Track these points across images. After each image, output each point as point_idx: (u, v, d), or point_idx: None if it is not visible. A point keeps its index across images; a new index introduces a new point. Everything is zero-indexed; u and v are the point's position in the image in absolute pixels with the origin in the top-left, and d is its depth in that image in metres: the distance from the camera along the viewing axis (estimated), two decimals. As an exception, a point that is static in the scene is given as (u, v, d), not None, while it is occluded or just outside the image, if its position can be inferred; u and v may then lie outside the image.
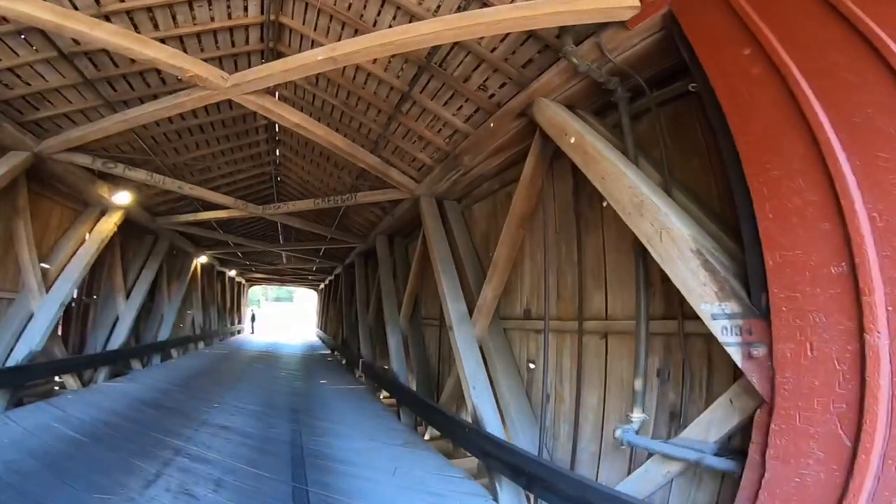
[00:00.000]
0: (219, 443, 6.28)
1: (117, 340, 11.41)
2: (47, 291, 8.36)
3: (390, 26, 5.30)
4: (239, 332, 31.06)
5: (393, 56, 6.25)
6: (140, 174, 8.69)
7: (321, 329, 30.69)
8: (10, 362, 7.55)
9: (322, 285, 31.39)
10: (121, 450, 5.60)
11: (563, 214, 5.56)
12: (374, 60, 6.53)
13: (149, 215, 11.89)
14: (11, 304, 8.14)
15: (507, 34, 5.05)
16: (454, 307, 6.79)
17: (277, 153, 11.25)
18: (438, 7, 5.22)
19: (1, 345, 7.69)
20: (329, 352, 21.74)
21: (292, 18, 6.61)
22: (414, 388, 9.30)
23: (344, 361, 17.29)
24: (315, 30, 6.49)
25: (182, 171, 10.16)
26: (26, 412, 7.02)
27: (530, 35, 4.95)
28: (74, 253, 9.23)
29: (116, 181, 9.48)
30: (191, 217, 12.37)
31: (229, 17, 6.35)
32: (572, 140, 4.36)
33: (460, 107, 6.52)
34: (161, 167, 9.38)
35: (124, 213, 10.28)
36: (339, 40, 5.48)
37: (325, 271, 24.70)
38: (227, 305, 27.32)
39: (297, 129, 6.62)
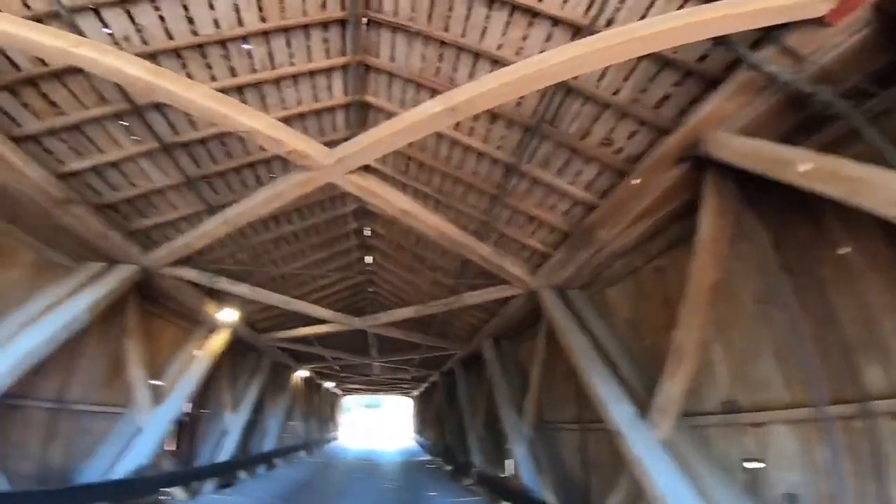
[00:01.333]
0: None
1: (226, 453, 10.78)
2: (159, 407, 7.78)
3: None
4: (336, 439, 30.18)
5: (494, 121, 5.50)
6: (243, 288, 8.20)
7: (417, 435, 29.43)
8: (116, 475, 6.80)
9: (416, 392, 29.97)
10: None
11: (763, 278, 3.99)
12: (471, 131, 5.77)
13: (253, 332, 11.48)
14: (120, 419, 7.55)
15: (633, 69, 4.14)
16: (617, 409, 5.03)
17: (369, 259, 10.52)
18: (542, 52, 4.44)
19: (107, 458, 7.05)
20: (429, 458, 20.13)
21: (377, 97, 6.08)
22: (552, 500, 7.28)
23: (448, 469, 15.52)
24: (403, 106, 5.86)
25: (281, 285, 9.70)
26: None
27: (666, 64, 3.97)
28: (186, 370, 8.79)
29: (223, 299, 9.11)
30: (291, 333, 11.87)
31: (315, 98, 5.90)
32: (803, 168, 2.95)
33: (579, 172, 5.39)
34: (262, 281, 8.97)
35: (232, 331, 9.93)
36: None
37: (419, 379, 23.38)
38: (325, 415, 26.63)
39: (405, 216, 5.65)
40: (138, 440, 7.36)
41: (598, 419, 6.44)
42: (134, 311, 7.12)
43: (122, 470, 6.87)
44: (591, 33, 3.83)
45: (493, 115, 5.37)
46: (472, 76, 5.05)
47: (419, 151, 6.46)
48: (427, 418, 24.76)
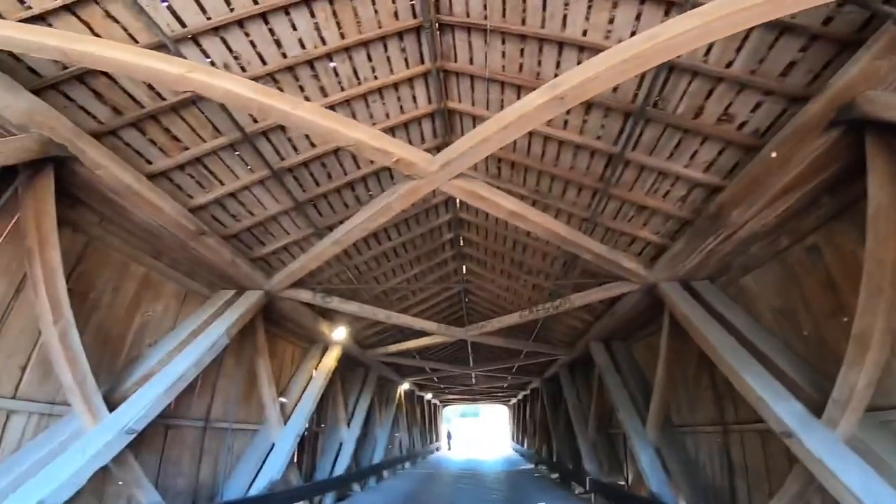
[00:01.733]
0: None
1: (341, 466, 11.13)
2: (285, 424, 8.23)
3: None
4: (437, 449, 30.41)
5: (588, 111, 5.20)
6: (352, 306, 8.41)
7: (516, 443, 28.87)
8: (253, 491, 7.24)
9: (514, 400, 29.49)
10: None
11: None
12: (565, 124, 5.51)
13: (359, 348, 11.85)
14: (255, 435, 8.07)
15: (745, 39, 3.84)
16: (783, 407, 4.33)
17: (464, 269, 10.55)
18: (633, 33, 4.08)
19: (245, 473, 7.51)
20: (532, 466, 19.73)
21: (460, 102, 6.00)
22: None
23: (554, 477, 15.30)
24: (488, 107, 5.75)
25: (383, 301, 9.91)
26: None
27: (783, 30, 3.68)
28: (306, 387, 9.25)
29: (333, 318, 9.50)
30: (394, 347, 12.17)
31: (401, 110, 5.95)
32: None
33: (695, 153, 4.94)
34: (367, 298, 9.21)
35: (342, 348, 10.32)
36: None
37: (516, 387, 22.97)
38: (426, 426, 27.02)
39: (513, 218, 5.42)
40: (271, 456, 7.80)
41: (745, 420, 5.77)
42: (261, 332, 7.58)
43: (259, 485, 7.29)
44: (685, 8, 3.55)
45: (587, 105, 5.09)
46: (558, 66, 4.84)
47: (510, 153, 6.28)
48: (526, 426, 24.18)
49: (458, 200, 8.08)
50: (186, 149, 5.01)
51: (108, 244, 5.16)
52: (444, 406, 36.46)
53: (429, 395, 26.59)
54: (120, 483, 5.12)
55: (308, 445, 10.90)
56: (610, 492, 9.60)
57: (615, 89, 4.75)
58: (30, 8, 3.51)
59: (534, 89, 3.96)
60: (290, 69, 4.90)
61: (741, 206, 4.69)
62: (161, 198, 4.95)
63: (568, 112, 5.16)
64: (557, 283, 8.50)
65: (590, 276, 7.81)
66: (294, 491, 8.59)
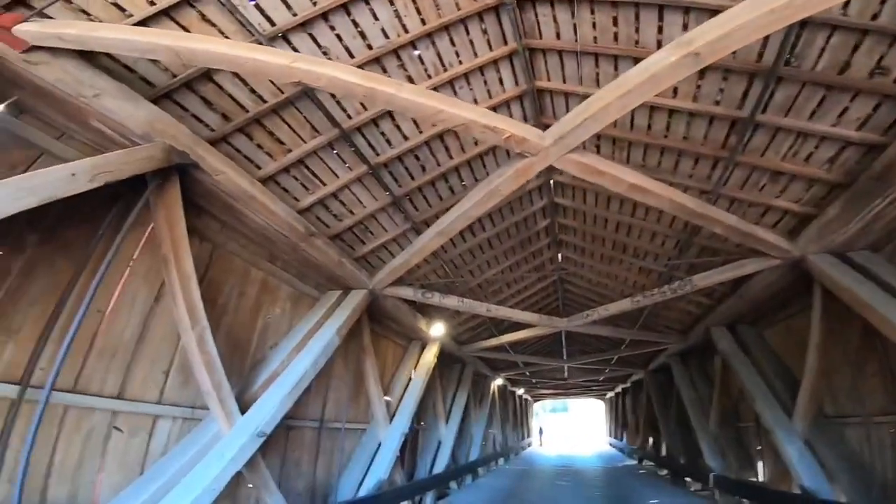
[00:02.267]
0: None
1: (441, 464, 11.12)
2: (390, 422, 8.37)
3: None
4: (529, 445, 30.00)
5: (702, 76, 4.71)
6: (452, 301, 8.37)
7: (614, 438, 27.85)
8: (362, 491, 7.35)
9: (611, 394, 28.29)
10: None
11: None
12: (675, 92, 5.01)
13: (456, 344, 11.84)
14: (364, 435, 8.26)
15: None
16: None
17: (560, 257, 10.09)
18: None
19: (356, 473, 7.67)
20: (634, 462, 18.89)
21: (550, 80, 5.63)
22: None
23: (664, 473, 14.50)
24: (581, 82, 5.31)
25: (478, 294, 9.76)
26: None
27: None
28: (407, 385, 9.37)
29: (431, 315, 9.55)
30: (490, 343, 12.04)
31: (489, 94, 5.71)
32: None
33: (844, 110, 4.37)
34: (463, 292, 9.09)
35: (440, 344, 10.37)
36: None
37: (616, 379, 21.86)
38: (518, 422, 26.72)
39: (634, 192, 5.00)
40: (378, 455, 7.96)
41: None
42: (367, 332, 7.75)
43: (368, 485, 7.42)
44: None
45: (700, 71, 4.52)
46: (661, 32, 4.41)
47: (611, 128, 5.83)
48: (626, 420, 23.14)
49: (552, 185, 7.72)
50: (290, 151, 5.15)
51: (230, 251, 5.44)
52: (535, 401, 35.93)
53: (521, 391, 26.29)
54: (250, 486, 5.37)
55: (409, 444, 11.02)
56: (742, 488, 8.75)
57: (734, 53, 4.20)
58: (131, 15, 3.63)
59: (635, 59, 3.74)
60: (377, 60, 4.85)
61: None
62: (273, 201, 5.14)
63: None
64: (670, 263, 7.81)
65: (710, 255, 7.09)
66: (399, 490, 8.68)
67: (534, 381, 22.43)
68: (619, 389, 24.91)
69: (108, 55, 3.64)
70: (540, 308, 12.05)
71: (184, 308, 4.39)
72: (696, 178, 5.96)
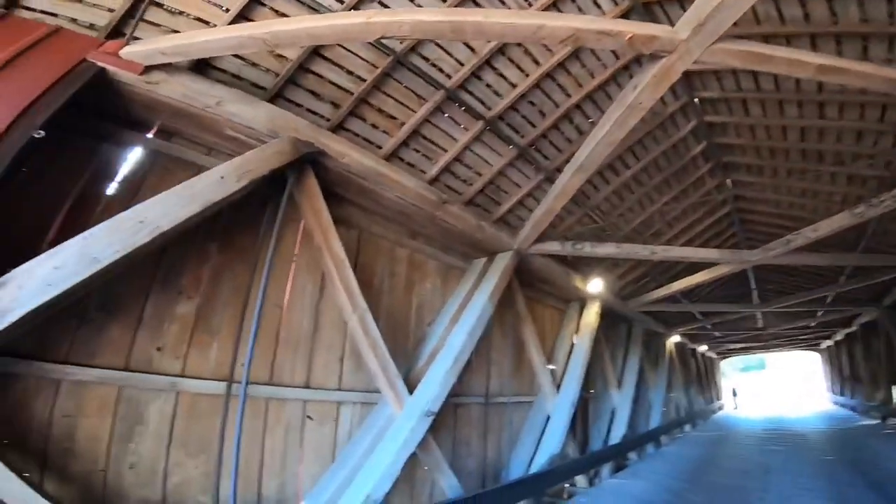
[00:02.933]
0: None
1: (617, 433, 10.58)
2: (557, 392, 8.15)
3: None
4: (720, 409, 27.03)
5: None
6: (608, 248, 7.77)
7: (837, 395, 23.44)
8: (534, 467, 7.23)
9: (828, 343, 23.96)
10: None
11: None
12: None
13: (619, 301, 11.06)
14: (531, 408, 8.16)
15: None
16: None
17: (729, 183, 8.60)
18: None
19: (526, 449, 7.60)
20: (877, 421, 15.44)
21: None
22: None
23: None
24: None
25: (636, 240, 8.84)
26: None
27: None
28: (571, 351, 9.02)
29: (586, 272, 9.04)
30: (659, 293, 10.92)
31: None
32: None
33: None
34: (618, 240, 8.35)
35: (600, 302, 9.77)
36: None
37: (833, 324, 18.15)
38: (703, 383, 24.27)
39: (825, 74, 4.01)
40: (548, 428, 7.81)
41: None
42: (520, 297, 7.62)
43: (539, 461, 7.30)
44: None
45: None
46: None
47: (756, 25, 4.83)
48: (857, 372, 19.32)
49: (697, 104, 6.65)
50: (402, 124, 5.20)
51: (374, 234, 5.75)
52: (722, 359, 32.26)
53: (703, 348, 23.64)
54: (425, 468, 5.66)
55: (579, 414, 10.58)
56: None
57: None
58: (214, 25, 3.86)
59: None
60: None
61: None
62: (401, 174, 5.29)
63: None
64: None
65: None
66: (573, 464, 8.36)
67: (717, 335, 19.81)
68: (839, 336, 20.86)
69: (214, 67, 4.02)
70: (714, 246, 10.42)
71: (343, 293, 4.79)
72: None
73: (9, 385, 3.31)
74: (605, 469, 9.74)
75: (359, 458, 4.82)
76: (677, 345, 18.11)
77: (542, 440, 7.67)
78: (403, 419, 5.02)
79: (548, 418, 7.97)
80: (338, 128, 4.82)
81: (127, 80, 3.54)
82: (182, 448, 3.97)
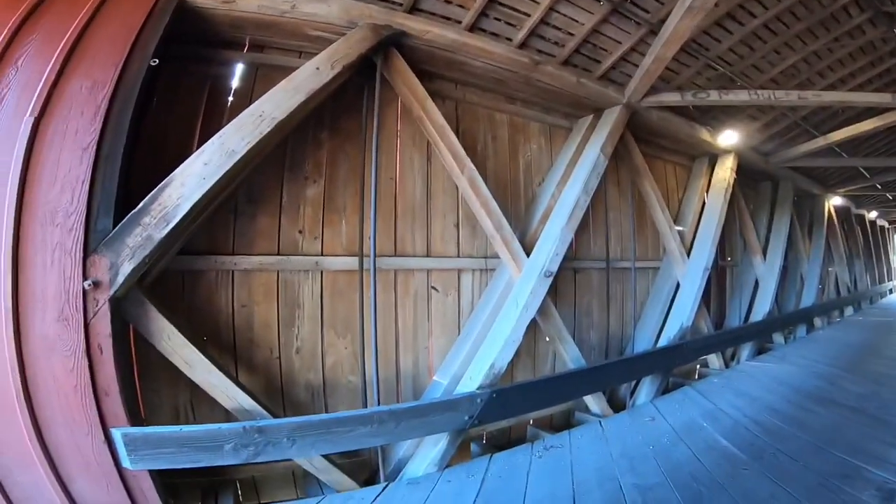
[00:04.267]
0: None
1: (761, 310, 9.74)
2: (688, 256, 7.73)
3: None
4: (891, 291, 23.48)
5: None
6: (741, 95, 6.92)
7: None
8: (663, 340, 7.05)
9: None
10: (796, 481, 3.68)
11: None
12: None
13: (759, 156, 9.87)
14: (657, 275, 7.92)
15: None
16: None
17: None
18: None
19: (651, 321, 7.45)
20: None
21: None
22: None
23: None
24: None
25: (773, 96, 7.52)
26: (674, 402, 6.21)
27: None
28: (701, 211, 8.40)
29: (714, 125, 8.20)
30: (810, 146, 9.41)
31: None
32: None
33: None
34: (763, 91, 7.21)
35: (736, 155, 8.83)
36: None
37: None
38: (873, 257, 21.01)
39: None
40: (678, 298, 7.50)
41: None
42: (636, 150, 7.22)
43: (669, 333, 7.09)
44: None
45: None
46: None
47: None
48: None
49: None
50: None
51: (471, 102, 5.81)
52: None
53: (872, 214, 20.26)
54: (547, 340, 5.92)
55: (715, 285, 9.94)
56: None
57: None
58: None
59: None
60: None
61: None
62: (488, 43, 5.23)
63: None
64: None
65: None
66: (706, 340, 7.96)
67: (890, 197, 16.75)
68: None
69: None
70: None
71: (449, 156, 5.01)
72: None
73: (196, 282, 4.09)
74: (745, 350, 9.23)
75: (482, 327, 5.19)
76: (839, 209, 15.64)
77: (671, 311, 7.42)
78: (522, 282, 5.25)
79: (677, 287, 7.65)
80: (413, 9, 4.81)
81: (205, 5, 3.89)
82: (332, 328, 4.63)
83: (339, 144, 4.83)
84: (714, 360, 8.61)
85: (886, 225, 24.92)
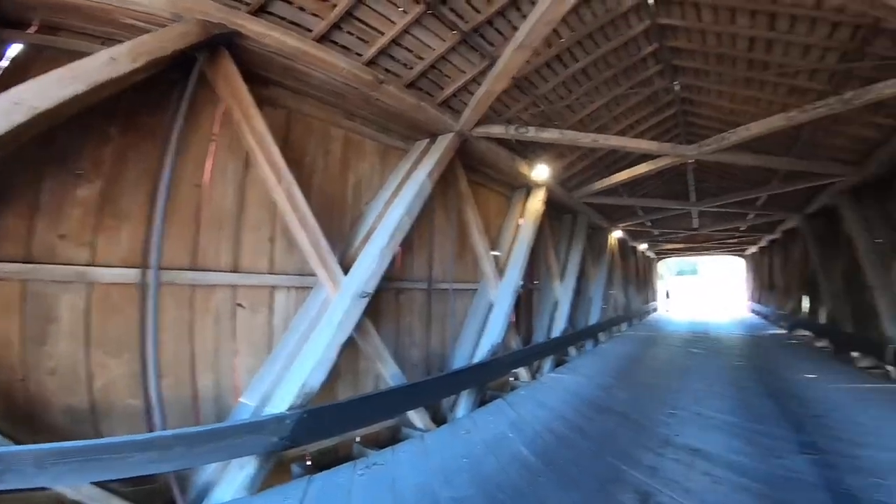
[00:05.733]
0: (700, 483, 4.13)
1: (559, 327, 11.01)
2: (501, 279, 8.31)
3: None
4: (654, 310, 29.09)
5: None
6: (552, 133, 7.77)
7: (756, 302, 25.33)
8: (477, 357, 7.45)
9: (753, 249, 25.55)
10: (577, 487, 4.21)
11: None
12: None
13: (564, 191, 11.20)
14: (475, 296, 8.32)
15: None
16: None
17: (676, 87, 8.55)
18: None
19: (468, 339, 7.74)
20: (784, 332, 16.87)
21: None
22: None
23: (824, 345, 12.78)
24: None
25: (581, 130, 8.79)
26: (488, 415, 6.58)
27: None
28: (515, 238, 9.13)
29: (532, 159, 9.02)
30: (602, 183, 11.04)
31: None
32: None
33: None
34: (564, 128, 8.33)
35: (546, 189, 9.84)
36: None
37: (760, 229, 19.21)
38: (641, 283, 25.72)
39: None
40: (490, 317, 7.95)
41: None
42: (462, 178, 7.60)
43: (482, 350, 7.47)
44: None
45: None
46: None
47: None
48: (774, 280, 20.78)
49: (650, 4, 6.51)
50: (334, 6, 4.80)
51: (305, 113, 5.54)
52: (660, 259, 34.48)
53: (643, 246, 24.87)
54: (368, 359, 5.80)
55: (524, 306, 10.94)
56: None
57: None
58: None
59: None
60: None
61: None
62: (332, 55, 5.05)
63: None
64: (844, 63, 6.13)
65: (889, 70, 5.64)
66: (514, 355, 8.69)
67: (657, 233, 20.80)
68: (764, 243, 22.10)
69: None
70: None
71: (267, 167, 4.60)
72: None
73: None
74: (547, 363, 10.33)
75: (294, 347, 4.84)
76: (619, 241, 18.79)
77: (486, 329, 7.86)
78: (339, 301, 5.02)
79: (490, 307, 8.15)
80: (260, 11, 4.45)
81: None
82: (101, 347, 3.85)
83: (132, 142, 4.10)
84: (524, 373, 9.45)
85: (653, 256, 30.68)
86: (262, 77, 4.90)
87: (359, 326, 5.22)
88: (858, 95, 5.96)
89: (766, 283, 23.04)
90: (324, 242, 5.00)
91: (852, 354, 10.68)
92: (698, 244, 25.69)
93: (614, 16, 6.61)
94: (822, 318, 13.21)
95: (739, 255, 30.02)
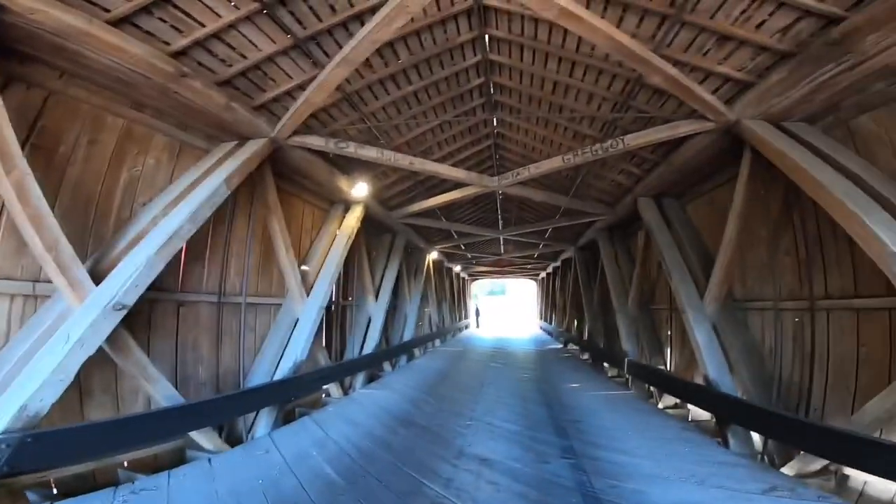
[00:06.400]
0: (485, 492, 4.47)
1: (372, 343, 11.03)
2: (308, 295, 7.94)
3: None
4: (466, 327, 31.29)
5: None
6: (371, 152, 7.78)
7: (544, 321, 29.21)
8: (279, 374, 7.03)
9: (542, 274, 29.60)
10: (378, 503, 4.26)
11: None
12: None
13: (384, 210, 11.40)
14: (278, 311, 7.80)
15: None
16: None
17: (495, 121, 9.53)
18: None
19: (270, 355, 7.23)
20: (561, 346, 19.82)
21: None
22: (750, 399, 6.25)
23: (586, 357, 15.31)
24: None
25: (406, 153, 9.05)
26: (292, 433, 6.33)
27: None
28: (328, 253, 8.85)
29: (353, 175, 8.96)
30: (419, 206, 11.57)
31: None
32: None
33: None
34: (388, 148, 8.51)
35: (365, 207, 9.86)
36: None
37: (548, 257, 22.61)
38: (455, 302, 27.49)
39: (565, 19, 4.67)
40: (294, 333, 7.48)
41: (837, 294, 5.24)
42: (272, 187, 7.12)
43: (284, 367, 7.01)
44: None
45: None
46: None
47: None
48: (555, 302, 24.26)
49: (486, 40, 7.07)
50: None
51: (73, 97, 4.71)
52: (473, 280, 37.50)
53: (458, 268, 26.85)
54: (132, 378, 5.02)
55: (336, 322, 10.83)
56: (651, 376, 9.40)
57: None
58: None
59: None
60: None
61: (880, 32, 3.89)
62: (125, 40, 4.39)
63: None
64: (614, 116, 7.37)
65: (645, 121, 6.95)
66: (322, 372, 8.44)
67: (469, 256, 22.71)
68: (550, 269, 25.89)
69: None
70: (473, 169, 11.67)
71: None
72: (641, 38, 5.41)
73: None
74: (359, 379, 10.16)
75: (16, 364, 3.92)
76: (435, 262, 19.84)
77: (289, 345, 7.39)
78: (82, 314, 4.15)
79: (296, 322, 7.71)
80: None
81: None
82: None
83: None
84: (335, 389, 9.19)
85: (466, 277, 33.29)
86: (25, 53, 4.13)
87: (114, 342, 4.48)
88: (614, 144, 7.22)
89: (550, 304, 26.76)
90: (65, 245, 4.16)
91: (605, 365, 12.95)
92: (503, 268, 28.88)
93: (452, 46, 6.87)
94: (586, 334, 15.62)
95: (534, 279, 34.54)
